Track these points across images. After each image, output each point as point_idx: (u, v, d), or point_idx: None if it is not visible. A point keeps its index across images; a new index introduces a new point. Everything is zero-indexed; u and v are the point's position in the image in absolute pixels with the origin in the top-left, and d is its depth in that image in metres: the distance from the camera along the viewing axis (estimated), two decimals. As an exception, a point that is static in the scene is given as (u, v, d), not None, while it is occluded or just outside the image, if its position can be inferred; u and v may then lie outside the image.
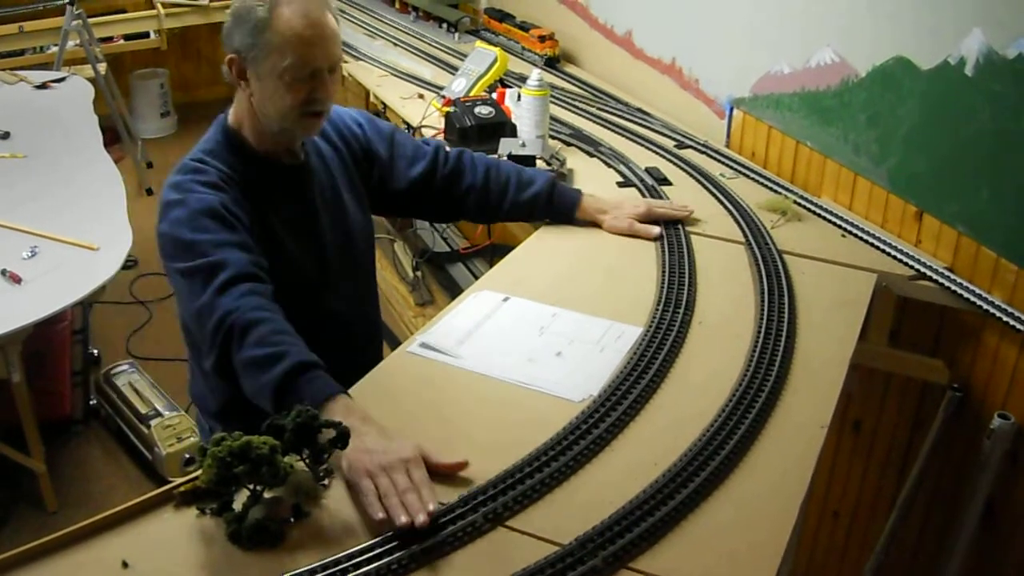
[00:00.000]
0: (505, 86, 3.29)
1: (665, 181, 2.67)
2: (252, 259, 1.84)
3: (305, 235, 2.06)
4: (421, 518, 1.39)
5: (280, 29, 1.85)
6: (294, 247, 2.03)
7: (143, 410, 3.44)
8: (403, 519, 1.39)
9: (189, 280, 1.82)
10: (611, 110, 3.29)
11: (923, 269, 2.24)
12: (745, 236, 2.35)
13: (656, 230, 2.32)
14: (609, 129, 3.11)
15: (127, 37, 5.82)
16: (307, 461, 1.47)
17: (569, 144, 2.94)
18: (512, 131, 2.84)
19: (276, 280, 1.87)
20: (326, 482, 1.50)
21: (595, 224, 2.38)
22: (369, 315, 2.30)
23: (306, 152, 2.09)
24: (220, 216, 1.86)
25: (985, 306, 2.15)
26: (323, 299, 2.10)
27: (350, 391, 1.68)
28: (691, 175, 2.73)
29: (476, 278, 2.34)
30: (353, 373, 1.79)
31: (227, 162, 1.96)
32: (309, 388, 1.62)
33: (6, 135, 3.74)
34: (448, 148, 2.39)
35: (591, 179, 2.70)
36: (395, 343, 2.08)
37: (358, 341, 2.22)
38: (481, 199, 2.35)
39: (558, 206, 2.37)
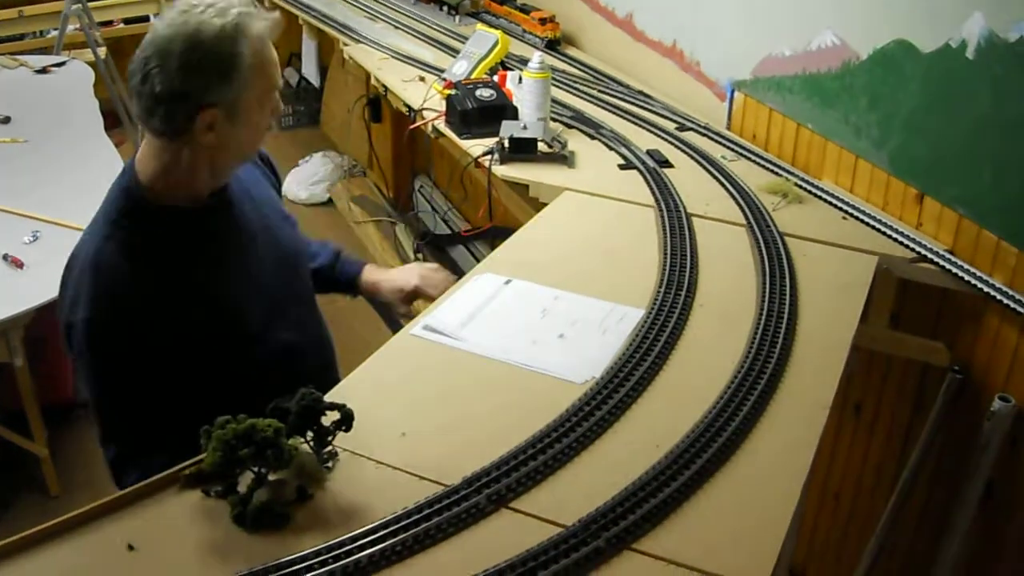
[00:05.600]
0: (506, 69, 3.28)
1: (666, 163, 2.67)
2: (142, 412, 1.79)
3: (240, 271, 1.90)
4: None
5: (258, 58, 1.72)
6: (229, 290, 1.87)
7: (144, 394, 3.43)
8: None
9: (95, 406, 1.88)
10: (612, 92, 3.29)
11: (924, 251, 2.25)
12: (746, 218, 2.35)
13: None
14: (610, 111, 3.10)
15: (127, 21, 5.82)
16: (311, 443, 1.48)
17: (571, 126, 2.94)
18: (514, 114, 2.83)
19: (217, 331, 1.81)
20: (330, 464, 1.50)
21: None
22: (322, 337, 2.15)
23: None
24: (126, 337, 1.73)
25: (986, 288, 2.15)
26: (273, 333, 1.93)
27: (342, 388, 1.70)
28: (692, 157, 2.73)
29: (478, 261, 2.35)
30: None
31: (141, 227, 1.77)
32: None
33: (7, 120, 3.74)
34: None
35: (592, 161, 2.70)
36: (397, 326, 2.08)
37: (316, 366, 2.06)
38: None
39: (340, 275, 2.31)
